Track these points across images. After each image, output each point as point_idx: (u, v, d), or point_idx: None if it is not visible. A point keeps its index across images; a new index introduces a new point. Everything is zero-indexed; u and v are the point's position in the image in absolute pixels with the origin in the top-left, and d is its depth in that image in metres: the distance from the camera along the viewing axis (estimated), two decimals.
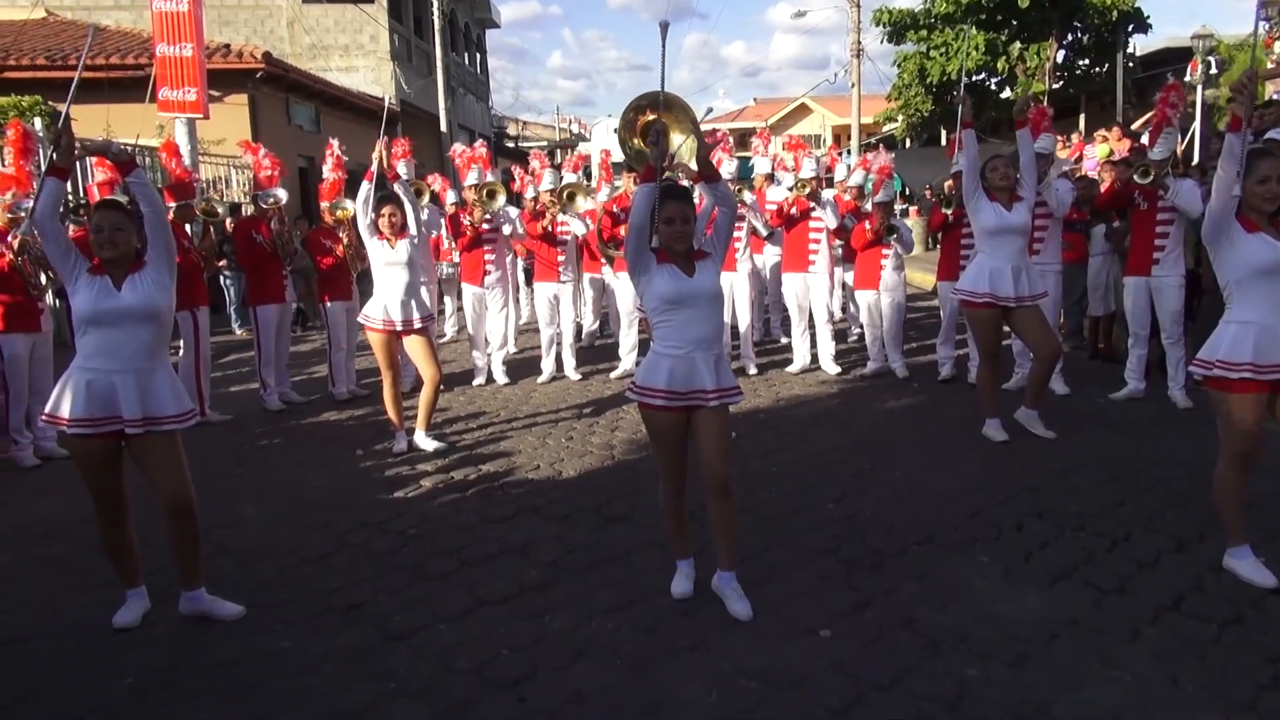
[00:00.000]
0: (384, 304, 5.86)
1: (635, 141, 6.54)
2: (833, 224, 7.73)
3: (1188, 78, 14.58)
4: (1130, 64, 21.32)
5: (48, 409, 3.51)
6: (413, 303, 5.91)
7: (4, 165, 6.27)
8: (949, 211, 7.33)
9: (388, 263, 5.86)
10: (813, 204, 7.66)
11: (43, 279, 6.00)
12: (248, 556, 4.26)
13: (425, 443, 5.96)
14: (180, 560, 3.60)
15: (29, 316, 5.94)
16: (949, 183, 7.74)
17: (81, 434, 3.44)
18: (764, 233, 8.34)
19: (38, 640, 3.53)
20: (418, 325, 5.91)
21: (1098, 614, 3.44)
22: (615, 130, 6.47)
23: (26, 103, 12.50)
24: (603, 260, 8.59)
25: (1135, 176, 6.32)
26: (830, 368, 7.92)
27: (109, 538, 3.62)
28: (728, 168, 8.17)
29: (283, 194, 7.65)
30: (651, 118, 6.39)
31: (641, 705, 2.94)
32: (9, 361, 5.88)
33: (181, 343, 6.66)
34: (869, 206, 7.78)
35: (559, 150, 37.69)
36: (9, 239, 5.84)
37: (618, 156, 12.32)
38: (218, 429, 6.74)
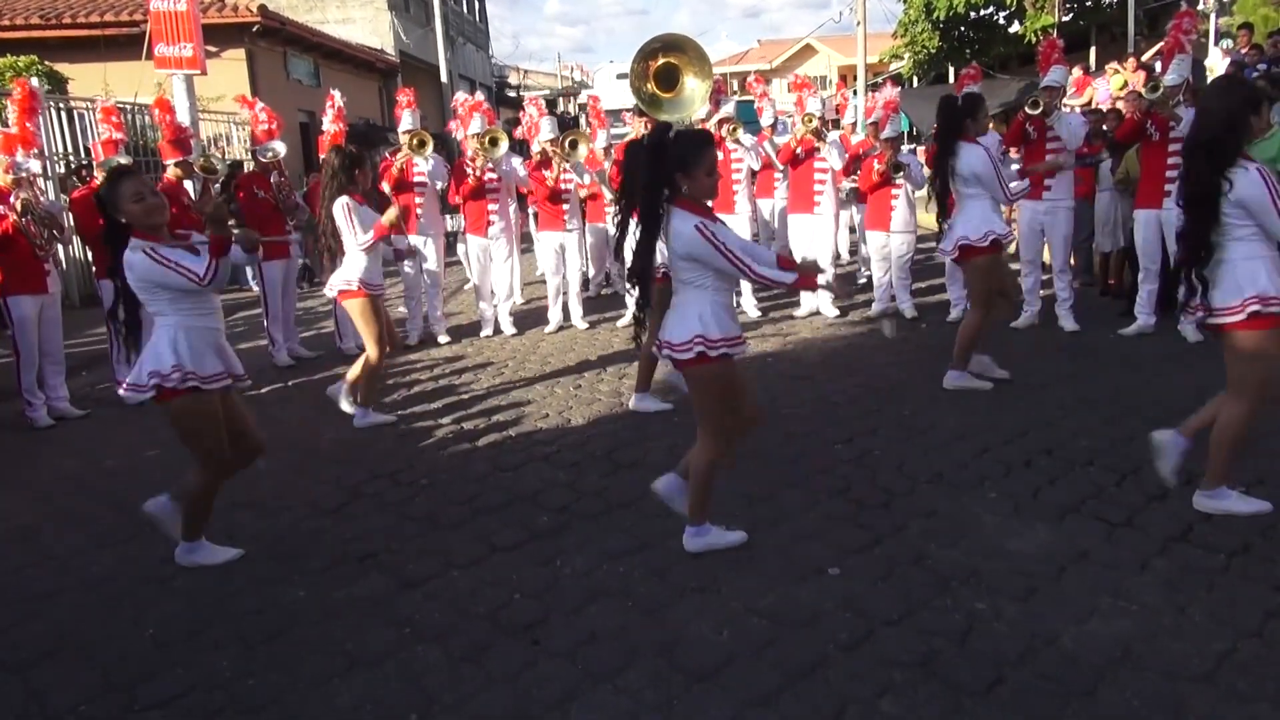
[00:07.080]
0: (363, 266, 5.40)
1: (648, 87, 6.44)
2: (838, 165, 7.63)
3: (1200, 6, 14.27)
4: None
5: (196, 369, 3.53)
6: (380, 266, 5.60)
7: (8, 125, 6.23)
8: None
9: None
10: (817, 144, 7.56)
11: (48, 239, 5.99)
12: (262, 509, 4.31)
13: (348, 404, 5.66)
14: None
15: (36, 278, 5.94)
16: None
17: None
18: (756, 167, 8.21)
19: (64, 595, 3.60)
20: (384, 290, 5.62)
21: (1106, 547, 3.46)
22: (627, 76, 6.33)
23: (23, 63, 12.37)
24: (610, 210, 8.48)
25: (1144, 91, 6.35)
26: (828, 310, 7.87)
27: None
28: (726, 108, 8.05)
29: (281, 147, 7.58)
30: (663, 61, 6.29)
31: (654, 645, 2.99)
32: (18, 324, 5.90)
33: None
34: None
35: (560, 99, 37.18)
36: (11, 200, 5.83)
37: (607, 105, 12.10)
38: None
